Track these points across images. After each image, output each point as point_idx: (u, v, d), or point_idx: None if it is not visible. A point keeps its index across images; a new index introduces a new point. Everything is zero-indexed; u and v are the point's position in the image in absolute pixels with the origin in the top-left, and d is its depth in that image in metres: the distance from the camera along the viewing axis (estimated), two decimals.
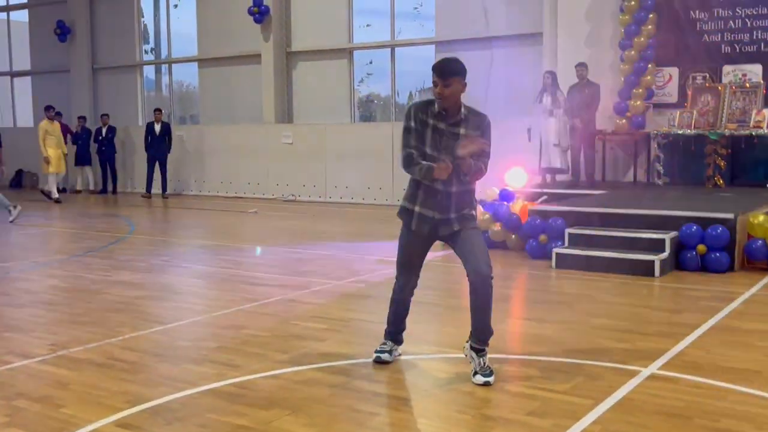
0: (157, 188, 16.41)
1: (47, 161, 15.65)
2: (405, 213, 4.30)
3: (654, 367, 4.43)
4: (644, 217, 7.93)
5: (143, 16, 18.86)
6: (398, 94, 15.61)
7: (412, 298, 4.55)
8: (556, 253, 7.81)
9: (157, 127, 16.21)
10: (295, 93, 16.37)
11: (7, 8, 21.10)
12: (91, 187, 17.82)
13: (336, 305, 6.18)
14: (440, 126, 4.15)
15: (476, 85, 13.86)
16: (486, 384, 4.08)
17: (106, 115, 17.63)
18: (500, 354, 4.64)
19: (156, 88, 19.27)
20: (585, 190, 10.47)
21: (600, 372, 4.36)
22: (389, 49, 15.27)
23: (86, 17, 19.02)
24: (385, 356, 4.49)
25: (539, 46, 13.03)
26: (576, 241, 7.97)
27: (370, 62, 15.87)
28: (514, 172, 10.56)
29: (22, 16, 20.90)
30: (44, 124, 15.74)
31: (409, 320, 4.64)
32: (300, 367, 4.48)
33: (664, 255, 7.32)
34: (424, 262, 4.48)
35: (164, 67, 18.69)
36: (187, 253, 9.17)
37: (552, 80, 11.05)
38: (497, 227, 8.95)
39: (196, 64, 17.86)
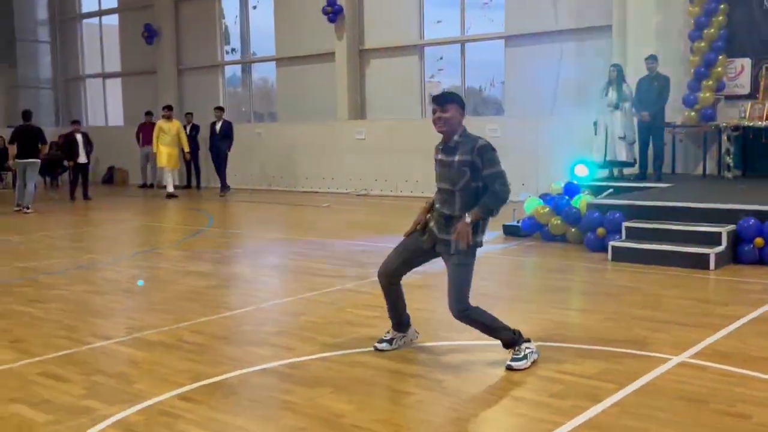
0: (213, 182, 17.10)
1: (154, 156, 16.64)
2: (425, 224, 4.62)
3: (685, 356, 4.60)
4: (702, 210, 7.97)
5: (224, 18, 19.63)
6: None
7: (403, 289, 4.77)
8: (613, 246, 7.94)
9: (218, 126, 16.80)
10: (368, 90, 16.78)
11: (99, 13, 22.25)
12: (176, 183, 18.66)
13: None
14: (440, 157, 4.50)
15: (545, 80, 14.05)
16: (509, 368, 4.33)
17: (190, 113, 18.44)
18: (537, 342, 4.90)
19: (242, 85, 20.03)
20: (651, 184, 10.49)
21: (630, 359, 4.57)
22: (459, 45, 15.50)
23: (172, 20, 19.92)
24: (380, 345, 4.78)
25: (608, 38, 13.02)
26: (633, 234, 8.07)
27: (441, 58, 16.12)
28: (579, 166, 10.68)
29: (112, 21, 22.01)
30: (160, 123, 16.57)
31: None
32: (347, 351, 4.84)
33: (720, 248, 7.37)
34: (419, 269, 4.76)
35: (246, 66, 19.41)
36: (258, 245, 9.68)
37: (618, 73, 11.06)
38: (557, 221, 9.12)
39: (274, 63, 18.50)
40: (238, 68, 19.84)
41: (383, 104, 16.53)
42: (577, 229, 8.95)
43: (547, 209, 9.27)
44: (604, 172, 11.29)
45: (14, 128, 14.66)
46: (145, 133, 18.78)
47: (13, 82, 22.44)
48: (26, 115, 14.73)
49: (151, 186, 18.91)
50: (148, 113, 18.84)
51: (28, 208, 13.81)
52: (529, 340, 4.53)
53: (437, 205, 4.53)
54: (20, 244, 10.08)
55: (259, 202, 15.04)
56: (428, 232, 4.56)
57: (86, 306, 6.31)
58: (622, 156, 11.12)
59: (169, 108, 16.80)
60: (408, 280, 4.82)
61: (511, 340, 4.44)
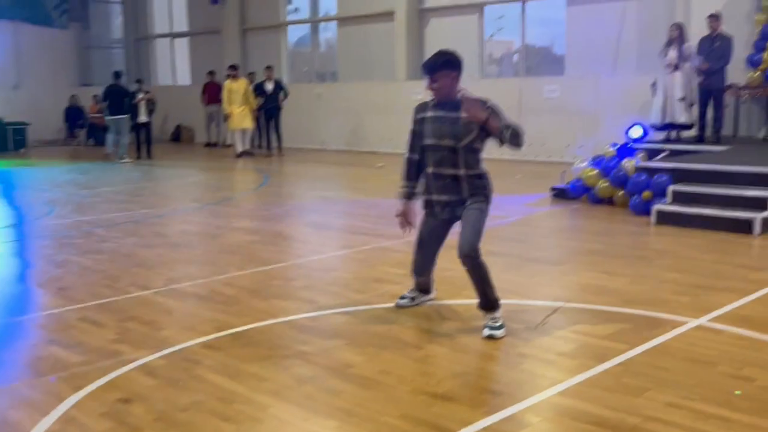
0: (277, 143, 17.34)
1: (226, 118, 16.66)
2: (427, 204, 4.57)
3: (705, 319, 4.58)
4: (751, 175, 7.77)
5: None
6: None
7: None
8: (656, 210, 7.83)
9: (269, 86, 16.77)
10: (427, 49, 16.69)
11: None
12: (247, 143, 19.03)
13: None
14: (440, 114, 4.38)
15: (606, 39, 13.73)
16: (490, 337, 4.29)
17: (252, 73, 18.70)
18: (558, 302, 4.94)
19: (311, 45, 20.20)
20: (709, 147, 10.22)
21: (647, 321, 4.57)
22: (520, 3, 15.25)
23: None
24: (402, 301, 4.88)
25: None
26: (679, 198, 7.94)
27: (501, 17, 15.91)
28: (634, 128, 10.48)
29: None
30: (228, 83, 16.23)
31: (496, 270, 4.97)
32: (369, 306, 4.99)
33: (766, 213, 7.19)
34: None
35: (309, 27, 19.55)
36: (306, 204, 9.88)
37: (679, 33, 10.74)
38: (604, 183, 9.01)
39: (335, 22, 18.57)
40: (301, 28, 19.97)
41: None
42: (624, 192, 8.83)
43: (595, 171, 9.17)
44: (662, 135, 11.05)
45: (105, 87, 16.08)
46: (210, 92, 19.18)
47: (86, 43, 23.14)
48: (117, 75, 16.33)
49: (215, 144, 19.37)
50: (211, 72, 19.20)
51: (123, 158, 15.52)
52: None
53: (435, 194, 4.47)
54: (84, 198, 10.53)
55: (315, 162, 15.25)
56: (438, 207, 4.49)
57: (132, 258, 6.61)
58: (681, 118, 10.85)
59: (233, 67, 16.73)
60: None
61: (495, 300, 4.44)
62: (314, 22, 19.22)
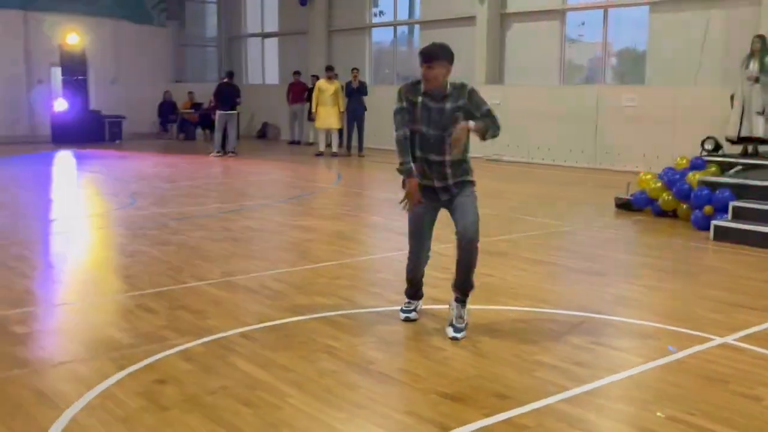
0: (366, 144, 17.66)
1: (311, 118, 17.15)
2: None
3: (731, 338, 4.61)
4: None
5: None
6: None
7: (429, 262, 5.00)
8: (715, 226, 7.75)
9: (354, 87, 17.06)
10: (507, 55, 16.76)
11: None
12: (330, 142, 19.50)
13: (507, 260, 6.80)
14: (429, 104, 4.57)
15: (688, 49, 13.49)
16: (454, 339, 4.52)
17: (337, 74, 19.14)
18: (588, 313, 5.05)
19: (393, 47, 20.52)
20: None
21: (672, 337, 4.64)
22: (602, 10, 15.13)
23: None
24: (412, 315, 4.99)
25: (756, 7, 12.32)
26: (740, 214, 7.83)
27: (583, 23, 15.81)
28: (707, 141, 10.32)
29: None
30: (321, 82, 16.64)
31: (519, 274, 5.16)
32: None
33: None
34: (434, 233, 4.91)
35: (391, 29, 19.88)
36: (370, 204, 10.18)
37: (762, 45, 10.50)
38: (668, 196, 8.94)
39: (418, 26, 18.83)
40: (385, 31, 20.30)
41: (521, 69, 16.47)
42: (688, 205, 8.74)
43: (659, 184, 9.10)
44: (738, 148, 10.81)
45: (218, 84, 17.18)
46: (294, 91, 19.77)
47: (182, 41, 24.15)
48: (229, 74, 17.41)
49: (298, 142, 19.94)
50: (296, 72, 19.76)
51: (234, 152, 16.56)
52: None
53: (422, 179, 4.65)
54: (165, 191, 11.14)
55: (392, 164, 15.49)
56: (423, 192, 4.66)
57: (197, 251, 7.04)
58: (759, 132, 10.59)
59: (331, 68, 16.95)
60: (489, 247, 5.01)
61: (472, 286, 4.69)
62: (397, 24, 19.52)
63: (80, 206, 10.10)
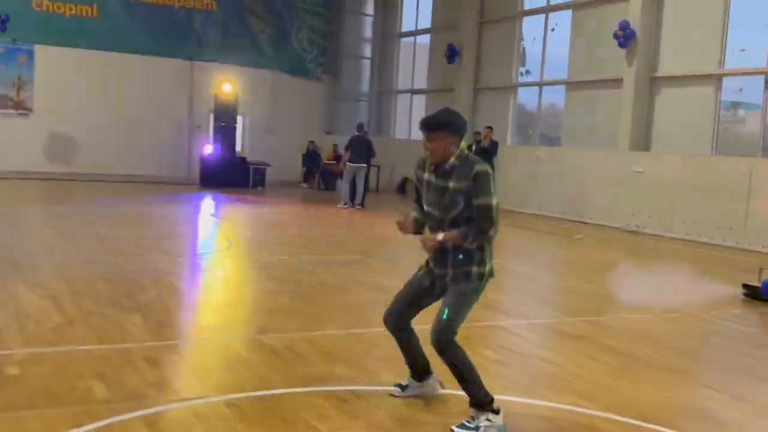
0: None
1: None
2: (426, 261, 4.21)
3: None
4: None
5: (523, 40, 19.62)
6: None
7: (414, 332, 4.32)
8: None
9: (485, 145, 16.50)
10: (656, 120, 15.62)
11: (415, 33, 23.59)
12: None
13: (536, 340, 6.04)
14: (432, 179, 4.01)
15: None
16: None
17: (478, 132, 18.67)
18: (639, 421, 4.20)
19: (538, 107, 19.89)
20: None
21: None
22: (764, 77, 13.74)
23: (474, 41, 20.40)
24: (395, 390, 4.39)
25: None
26: None
27: (740, 90, 14.46)
28: None
29: (425, 40, 23.19)
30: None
31: (585, 363, 4.42)
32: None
33: None
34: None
35: (536, 88, 19.24)
36: None
37: None
38: None
39: (563, 87, 18.08)
40: (530, 90, 19.70)
41: (669, 136, 15.27)
42: None
43: None
44: None
45: (351, 137, 17.08)
46: None
47: (335, 94, 24.71)
48: (360, 127, 17.46)
49: None
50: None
51: (362, 205, 16.35)
52: (498, 412, 3.87)
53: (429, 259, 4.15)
54: (267, 238, 11.08)
55: (516, 227, 14.75)
56: (426, 271, 4.17)
57: (251, 302, 6.78)
58: None
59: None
60: (567, 329, 4.36)
61: (480, 400, 3.87)
62: (544, 85, 18.85)
63: (174, 245, 10.12)
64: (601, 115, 16.62)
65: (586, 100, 17.21)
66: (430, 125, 3.99)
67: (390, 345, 5.54)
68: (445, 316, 3.93)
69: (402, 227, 4.24)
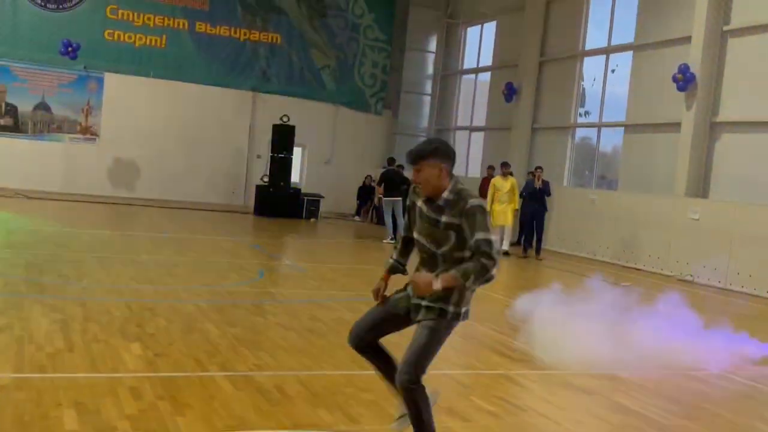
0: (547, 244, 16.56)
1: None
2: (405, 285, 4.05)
3: None
4: None
5: (583, 80, 19.31)
6: None
7: (383, 350, 4.11)
8: None
9: (537, 186, 16.08)
10: (715, 166, 15.08)
11: (476, 70, 23.53)
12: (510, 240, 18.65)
13: (540, 392, 5.78)
14: (425, 210, 3.85)
15: None
16: None
17: (531, 173, 18.38)
18: None
19: (596, 149, 19.51)
20: None
21: None
22: None
23: (533, 80, 20.19)
24: (393, 425, 4.17)
25: None
26: None
27: None
28: None
29: (486, 77, 23.10)
30: (496, 180, 16.06)
31: (584, 421, 4.22)
32: None
33: None
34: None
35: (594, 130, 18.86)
36: (493, 310, 9.23)
37: None
38: None
39: (622, 129, 17.68)
40: (588, 131, 19.33)
41: (728, 183, 14.70)
42: None
43: None
44: None
45: (382, 171, 17.11)
46: (486, 186, 19.29)
47: (394, 129, 24.79)
48: (391, 161, 17.46)
49: None
50: (490, 167, 19.30)
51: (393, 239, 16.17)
52: None
53: (420, 268, 3.97)
54: (298, 271, 11.05)
55: (566, 270, 14.37)
56: (405, 293, 3.98)
57: (256, 336, 6.70)
58: None
59: (506, 164, 16.46)
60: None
61: None
62: (602, 126, 18.46)
63: (205, 274, 10.12)
64: (658, 158, 16.15)
65: (644, 143, 16.77)
66: (416, 156, 3.84)
67: (381, 389, 5.40)
68: (416, 356, 3.78)
69: (375, 295, 4.12)
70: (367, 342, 4.07)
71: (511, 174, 16.15)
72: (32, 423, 4.19)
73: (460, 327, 3.98)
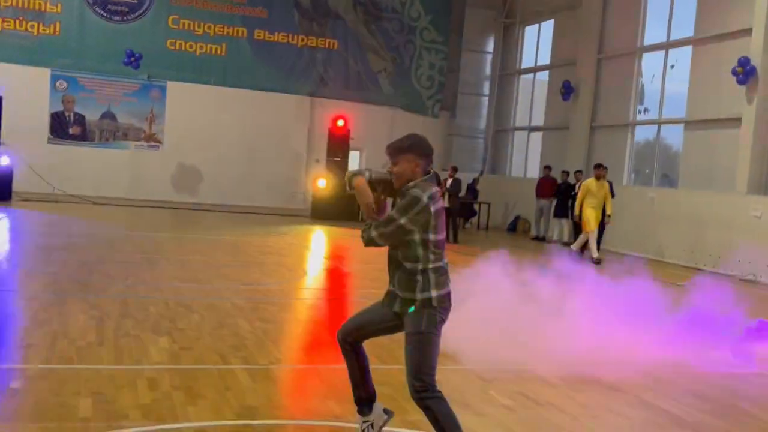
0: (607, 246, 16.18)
1: (577, 219, 15.06)
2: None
3: None
4: None
5: (642, 77, 18.87)
6: None
7: (364, 356, 4.10)
8: None
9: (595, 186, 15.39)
10: None
11: (534, 69, 23.27)
12: (565, 239, 18.39)
13: (563, 388, 5.67)
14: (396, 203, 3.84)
15: None
16: None
17: (580, 171, 18.09)
18: None
19: (656, 146, 19.06)
20: None
21: None
22: None
23: (591, 78, 19.84)
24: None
25: None
26: None
27: None
28: None
29: (544, 76, 22.82)
30: (590, 182, 14.71)
31: (606, 417, 4.18)
32: None
33: None
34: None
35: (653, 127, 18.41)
36: (539, 311, 9.08)
37: None
38: None
39: (682, 125, 17.21)
40: (647, 129, 18.87)
41: None
42: None
43: None
44: None
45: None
46: (543, 186, 19.08)
47: (451, 130, 24.70)
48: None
49: (543, 239, 19.03)
50: (547, 167, 19.04)
51: (455, 241, 16.18)
52: None
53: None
54: (353, 272, 11.15)
55: (625, 272, 13.94)
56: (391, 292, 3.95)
57: (291, 332, 6.77)
58: None
59: (600, 166, 14.79)
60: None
61: None
62: (662, 123, 18.00)
63: (249, 273, 10.26)
64: (719, 155, 15.66)
65: (705, 140, 16.29)
66: (395, 149, 3.91)
67: (398, 383, 5.39)
68: (417, 364, 3.75)
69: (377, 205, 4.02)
70: (351, 339, 4.08)
71: (604, 177, 14.77)
72: (48, 410, 4.35)
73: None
